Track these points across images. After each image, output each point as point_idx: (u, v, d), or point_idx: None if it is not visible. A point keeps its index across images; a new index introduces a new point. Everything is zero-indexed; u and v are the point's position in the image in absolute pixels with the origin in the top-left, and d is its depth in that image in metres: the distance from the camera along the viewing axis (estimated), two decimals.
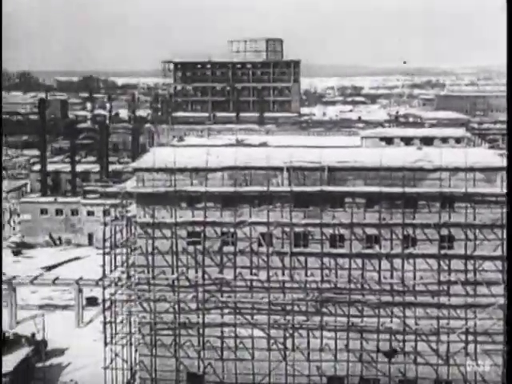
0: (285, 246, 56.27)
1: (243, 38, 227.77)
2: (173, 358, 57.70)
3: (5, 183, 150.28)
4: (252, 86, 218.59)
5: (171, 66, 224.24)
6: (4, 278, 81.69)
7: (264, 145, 63.60)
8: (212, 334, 57.39)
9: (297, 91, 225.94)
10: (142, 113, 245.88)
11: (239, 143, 64.67)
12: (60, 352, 69.72)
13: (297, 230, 56.17)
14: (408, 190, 54.80)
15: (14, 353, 65.95)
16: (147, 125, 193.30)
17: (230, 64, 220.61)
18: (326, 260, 56.06)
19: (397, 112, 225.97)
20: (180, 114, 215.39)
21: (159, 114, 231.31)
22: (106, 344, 57.53)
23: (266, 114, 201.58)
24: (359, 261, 55.76)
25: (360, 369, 56.76)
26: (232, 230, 56.52)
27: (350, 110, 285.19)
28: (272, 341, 57.11)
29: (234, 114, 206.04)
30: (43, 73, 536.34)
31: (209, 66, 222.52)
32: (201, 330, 57.42)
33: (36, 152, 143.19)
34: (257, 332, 57.08)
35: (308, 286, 56.27)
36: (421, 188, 55.06)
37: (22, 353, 65.63)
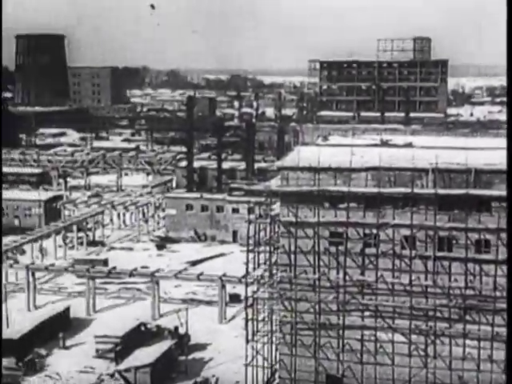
0: (428, 250, 55.19)
1: (386, 37, 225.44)
2: (312, 359, 57.60)
3: (150, 178, 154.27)
4: (398, 85, 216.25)
5: (317, 65, 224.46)
6: (147, 271, 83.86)
7: (409, 145, 62.44)
8: (352, 337, 56.92)
9: (444, 91, 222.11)
10: (287, 111, 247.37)
11: (384, 143, 63.78)
12: (202, 347, 70.82)
13: (441, 233, 54.99)
14: None
15: (157, 345, 67.63)
16: (292, 123, 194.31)
17: (376, 63, 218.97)
18: (470, 266, 54.61)
19: None
20: (325, 113, 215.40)
21: (304, 112, 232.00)
22: (247, 341, 57.97)
23: (412, 114, 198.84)
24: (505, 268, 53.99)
25: (505, 381, 54.98)
26: (375, 231, 55.87)
27: (499, 111, 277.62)
28: (413, 347, 56.11)
29: (378, 114, 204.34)
30: (191, 71, 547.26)
31: (355, 65, 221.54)
32: (341, 332, 57.07)
33: (183, 148, 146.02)
34: (397, 337, 56.22)
35: (451, 291, 54.98)
36: None
37: (165, 345, 67.16)
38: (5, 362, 65.85)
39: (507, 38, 50.61)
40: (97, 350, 69.10)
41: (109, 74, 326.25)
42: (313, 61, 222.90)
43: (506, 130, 53.25)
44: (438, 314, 55.41)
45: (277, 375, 59.47)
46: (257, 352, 58.19)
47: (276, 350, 59.76)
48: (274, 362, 60.32)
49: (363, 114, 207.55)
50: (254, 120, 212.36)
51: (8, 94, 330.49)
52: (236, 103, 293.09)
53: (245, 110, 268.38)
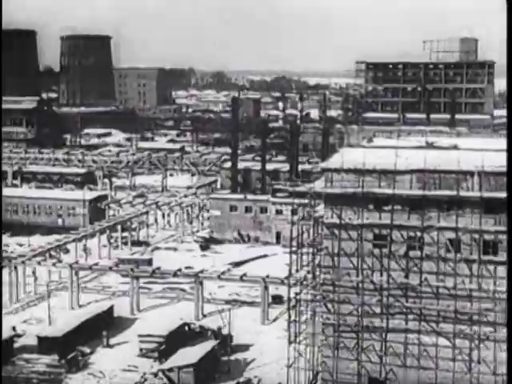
0: (473, 253, 54.62)
1: (431, 38, 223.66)
2: (355, 362, 57.31)
3: (195, 179, 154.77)
4: (444, 86, 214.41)
5: (363, 67, 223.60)
6: (191, 271, 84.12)
7: (454, 148, 61.92)
8: (395, 340, 56.51)
9: (490, 93, 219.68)
10: (332, 113, 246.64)
11: (429, 145, 63.28)
12: (245, 347, 70.86)
13: (486, 237, 54.39)
14: None
15: (200, 345, 67.81)
16: (337, 125, 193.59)
17: (422, 65, 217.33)
18: None
19: None
20: (370, 114, 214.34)
21: (349, 114, 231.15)
22: (289, 343, 57.91)
23: (458, 116, 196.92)
24: None
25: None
26: (419, 234, 55.46)
27: None
28: (457, 351, 55.55)
29: (424, 116, 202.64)
30: (236, 72, 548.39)
31: (400, 66, 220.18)
32: (384, 335, 56.72)
33: (227, 149, 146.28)
34: (441, 341, 55.70)
35: (496, 296, 54.32)
36: None
37: (208, 345, 67.31)
38: (47, 359, 66.55)
39: (507, 38, 50.52)
40: (140, 349, 69.53)
41: (155, 75, 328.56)
42: (360, 62, 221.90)
43: (506, 130, 52.95)
44: (483, 318, 54.84)
45: (319, 377, 59.30)
46: (299, 354, 58.10)
47: (318, 351, 59.57)
48: (316, 364, 60.14)
49: (408, 115, 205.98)
50: (298, 121, 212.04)
51: (53, 95, 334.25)
52: (280, 104, 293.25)
53: (289, 111, 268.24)
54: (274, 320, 78.08)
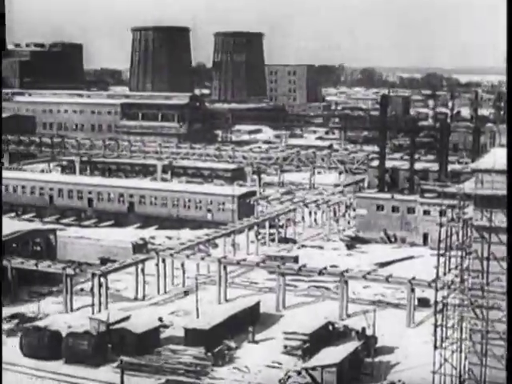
0: None
1: None
2: (503, 371, 55.65)
3: (342, 177, 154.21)
4: None
5: None
6: (336, 270, 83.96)
7: None
8: None
9: None
10: (484, 111, 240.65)
11: None
12: (389, 350, 70.11)
13: None
14: None
15: (343, 345, 67.60)
16: (489, 124, 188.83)
17: None
18: None
19: None
20: None
21: (502, 113, 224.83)
22: (435, 347, 56.84)
23: None
24: None
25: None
26: None
27: None
28: None
29: None
30: (386, 69, 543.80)
31: None
32: None
33: (375, 148, 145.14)
34: None
35: None
36: None
37: (352, 346, 67.03)
38: (194, 351, 67.95)
39: (507, 38, 48.87)
40: (285, 346, 69.96)
41: (305, 71, 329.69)
42: None
43: (506, 130, 50.66)
44: None
45: None
46: (445, 359, 56.99)
47: (465, 358, 58.25)
48: (462, 372, 58.83)
49: None
50: (448, 120, 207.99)
51: (205, 91, 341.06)
52: (431, 102, 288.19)
53: (439, 109, 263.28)
54: (420, 323, 76.98)
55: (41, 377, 65.50)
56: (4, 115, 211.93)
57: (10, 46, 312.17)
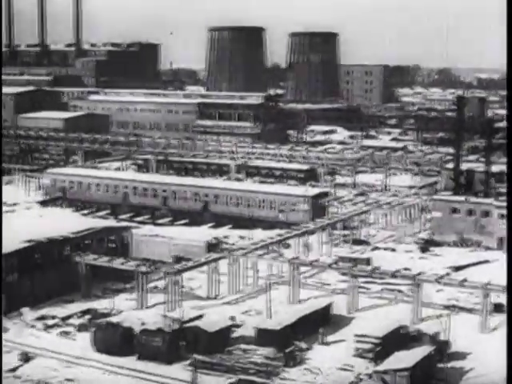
0: None
1: None
2: None
3: (417, 179, 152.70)
4: None
5: None
6: (409, 273, 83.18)
7: None
8: None
9: None
10: None
11: None
12: (462, 356, 69.12)
13: None
14: None
15: (416, 349, 66.98)
16: None
17: None
18: None
19: None
20: None
21: None
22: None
23: None
24: None
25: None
26: None
27: None
28: None
29: None
30: (463, 70, 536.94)
31: None
32: None
33: (450, 150, 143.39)
34: None
35: None
36: None
37: (424, 350, 66.39)
38: (265, 351, 68.13)
39: (507, 38, 48.85)
40: (356, 349, 69.67)
41: (381, 72, 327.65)
42: None
43: (506, 130, 49.47)
44: None
45: None
46: None
47: None
48: None
49: None
50: None
51: (279, 91, 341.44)
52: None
53: None
54: (494, 329, 75.85)
55: (113, 372, 66.52)
56: (79, 113, 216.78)
57: (85, 46, 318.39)
